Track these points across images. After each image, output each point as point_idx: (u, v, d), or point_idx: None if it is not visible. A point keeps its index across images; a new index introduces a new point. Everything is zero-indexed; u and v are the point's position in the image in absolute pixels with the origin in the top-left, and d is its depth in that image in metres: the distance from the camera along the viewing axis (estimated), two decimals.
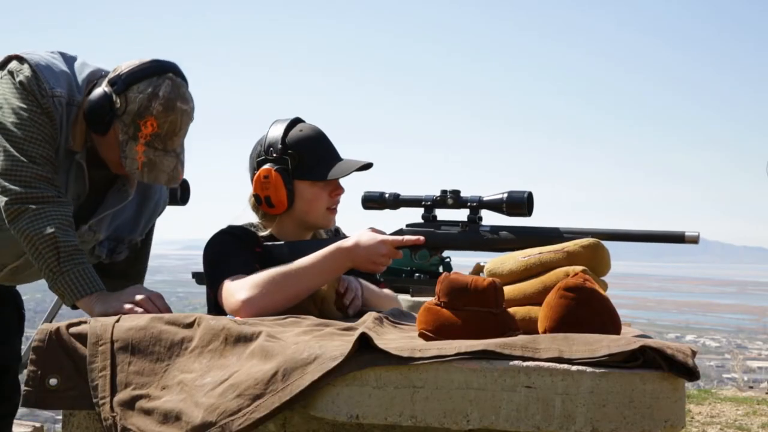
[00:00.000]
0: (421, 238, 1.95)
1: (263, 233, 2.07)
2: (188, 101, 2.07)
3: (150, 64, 2.04)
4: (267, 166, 2.03)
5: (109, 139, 2.04)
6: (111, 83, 2.02)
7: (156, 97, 1.99)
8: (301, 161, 2.03)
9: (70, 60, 2.10)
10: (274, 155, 2.03)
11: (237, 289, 1.81)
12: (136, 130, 1.99)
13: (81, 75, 2.08)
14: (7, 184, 1.93)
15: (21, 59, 2.01)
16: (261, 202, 2.04)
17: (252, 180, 2.06)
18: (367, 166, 2.08)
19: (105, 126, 2.02)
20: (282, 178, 2.01)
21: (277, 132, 2.05)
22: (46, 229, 1.89)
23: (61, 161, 2.04)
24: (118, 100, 2.00)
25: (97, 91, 2.02)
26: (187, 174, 2.26)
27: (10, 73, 2.01)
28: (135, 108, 1.99)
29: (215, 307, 1.93)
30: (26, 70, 1.99)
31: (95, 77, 2.10)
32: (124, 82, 2.01)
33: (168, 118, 2.01)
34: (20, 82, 1.98)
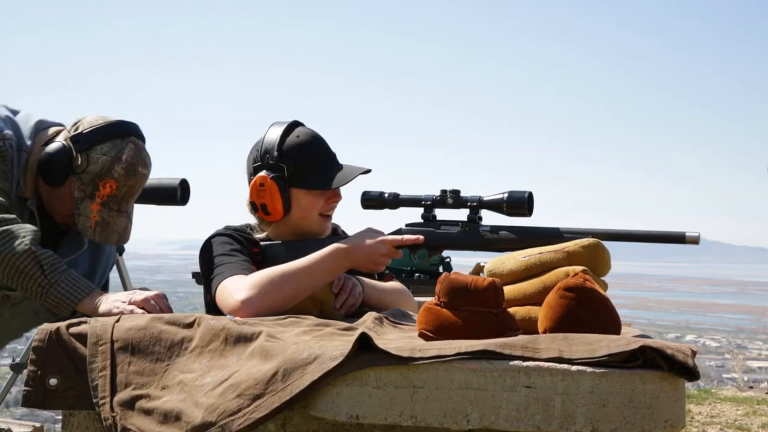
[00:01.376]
0: (421, 237, 1.95)
1: (259, 236, 2.06)
2: (148, 165, 2.12)
3: (114, 124, 2.07)
4: (263, 173, 2.01)
5: (62, 193, 2.08)
6: (73, 140, 2.05)
7: (119, 160, 2.04)
8: (297, 169, 2.01)
9: (13, 111, 2.13)
10: (270, 162, 2.01)
11: (235, 290, 1.81)
12: (95, 189, 2.04)
13: (27, 123, 2.11)
14: None
15: None
16: (257, 210, 2.04)
17: (249, 184, 2.05)
18: (365, 173, 2.06)
19: (61, 180, 2.05)
20: (278, 186, 1.99)
21: (273, 137, 2.03)
22: (20, 246, 1.87)
23: (14, 208, 2.05)
24: (79, 158, 2.04)
25: (56, 145, 2.05)
26: (187, 174, 2.28)
27: None
28: (97, 169, 2.03)
29: (214, 308, 1.93)
30: None
31: (44, 126, 2.13)
32: (87, 141, 2.04)
33: (128, 182, 2.06)
34: None
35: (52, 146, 2.05)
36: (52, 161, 2.04)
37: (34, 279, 1.87)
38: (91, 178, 2.03)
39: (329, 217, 2.09)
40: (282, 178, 2.00)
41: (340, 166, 2.07)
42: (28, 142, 2.07)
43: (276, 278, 1.82)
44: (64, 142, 2.05)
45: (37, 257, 1.87)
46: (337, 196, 2.07)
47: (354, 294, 1.98)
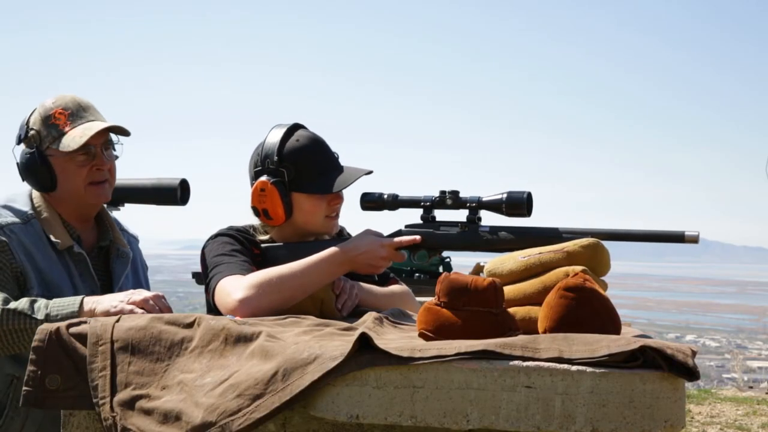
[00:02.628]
0: (417, 237, 1.95)
1: (263, 237, 2.06)
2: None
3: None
4: (263, 178, 2.00)
5: (62, 186, 2.12)
6: (18, 142, 2.15)
7: (45, 104, 2.14)
8: (297, 173, 2.00)
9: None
10: (271, 167, 2.00)
11: (233, 290, 1.80)
12: (55, 128, 2.11)
13: (21, 197, 2.15)
14: None
15: None
16: (259, 214, 2.03)
17: (251, 188, 2.04)
18: (366, 174, 2.05)
19: (46, 165, 2.10)
20: (278, 192, 1.98)
21: (273, 141, 2.02)
22: None
23: (53, 269, 2.06)
24: (29, 139, 2.12)
25: (19, 156, 2.15)
26: (187, 174, 2.30)
27: None
28: (39, 120, 2.12)
29: (214, 307, 1.93)
30: None
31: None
32: (23, 128, 2.14)
33: (66, 100, 2.15)
34: None
35: (20, 160, 2.14)
36: (27, 167, 2.12)
37: (28, 328, 1.87)
38: (46, 128, 2.11)
39: (335, 217, 2.09)
40: (282, 183, 1.99)
41: (340, 169, 2.06)
42: (26, 209, 2.11)
43: (274, 279, 1.82)
44: (19, 151, 2.15)
45: (15, 311, 1.88)
46: (338, 199, 2.07)
47: (351, 297, 1.98)
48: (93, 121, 2.15)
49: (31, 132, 2.11)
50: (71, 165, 2.11)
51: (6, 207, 2.09)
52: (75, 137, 2.08)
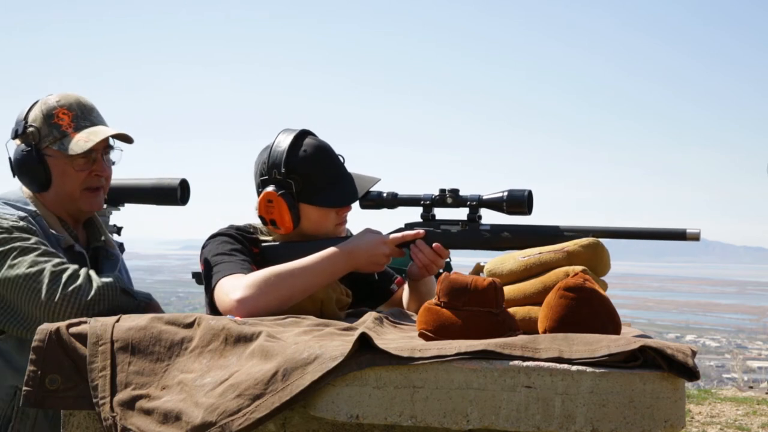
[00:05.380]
0: (421, 231, 1.94)
1: (265, 237, 2.05)
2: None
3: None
4: (270, 189, 1.98)
5: (55, 188, 2.05)
6: (14, 136, 2.07)
7: (47, 102, 2.07)
8: (305, 185, 1.98)
9: None
10: (278, 177, 1.98)
11: (232, 289, 1.80)
12: (57, 129, 2.04)
13: (16, 198, 2.07)
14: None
15: None
16: (266, 224, 2.02)
17: (257, 195, 2.03)
18: (375, 183, 2.05)
19: (44, 171, 2.03)
20: (286, 203, 1.96)
21: (280, 150, 1.99)
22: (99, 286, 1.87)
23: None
24: (28, 136, 2.04)
25: (14, 152, 2.07)
26: (187, 174, 2.26)
27: None
28: (40, 118, 2.04)
29: (214, 307, 1.92)
30: None
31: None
32: (21, 124, 2.06)
33: (70, 100, 2.07)
34: None
35: (13, 156, 2.07)
36: (22, 164, 2.04)
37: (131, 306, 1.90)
38: (47, 127, 2.04)
39: (344, 223, 2.08)
40: (290, 194, 1.97)
41: (348, 178, 2.04)
42: (29, 206, 2.03)
43: (272, 278, 1.80)
44: (15, 146, 2.08)
45: (122, 289, 1.91)
46: (347, 208, 2.06)
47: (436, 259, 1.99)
48: (98, 125, 2.09)
49: (30, 129, 2.04)
50: (70, 168, 2.05)
51: (8, 204, 2.02)
52: (80, 141, 2.03)
